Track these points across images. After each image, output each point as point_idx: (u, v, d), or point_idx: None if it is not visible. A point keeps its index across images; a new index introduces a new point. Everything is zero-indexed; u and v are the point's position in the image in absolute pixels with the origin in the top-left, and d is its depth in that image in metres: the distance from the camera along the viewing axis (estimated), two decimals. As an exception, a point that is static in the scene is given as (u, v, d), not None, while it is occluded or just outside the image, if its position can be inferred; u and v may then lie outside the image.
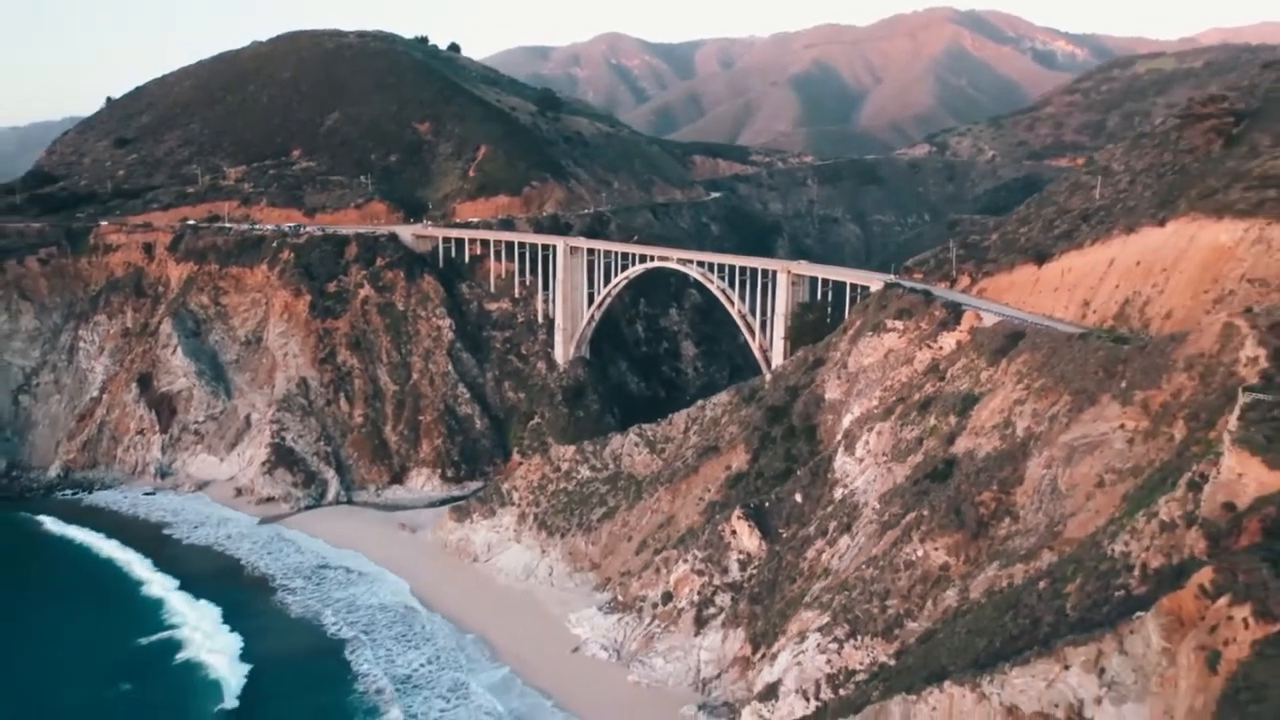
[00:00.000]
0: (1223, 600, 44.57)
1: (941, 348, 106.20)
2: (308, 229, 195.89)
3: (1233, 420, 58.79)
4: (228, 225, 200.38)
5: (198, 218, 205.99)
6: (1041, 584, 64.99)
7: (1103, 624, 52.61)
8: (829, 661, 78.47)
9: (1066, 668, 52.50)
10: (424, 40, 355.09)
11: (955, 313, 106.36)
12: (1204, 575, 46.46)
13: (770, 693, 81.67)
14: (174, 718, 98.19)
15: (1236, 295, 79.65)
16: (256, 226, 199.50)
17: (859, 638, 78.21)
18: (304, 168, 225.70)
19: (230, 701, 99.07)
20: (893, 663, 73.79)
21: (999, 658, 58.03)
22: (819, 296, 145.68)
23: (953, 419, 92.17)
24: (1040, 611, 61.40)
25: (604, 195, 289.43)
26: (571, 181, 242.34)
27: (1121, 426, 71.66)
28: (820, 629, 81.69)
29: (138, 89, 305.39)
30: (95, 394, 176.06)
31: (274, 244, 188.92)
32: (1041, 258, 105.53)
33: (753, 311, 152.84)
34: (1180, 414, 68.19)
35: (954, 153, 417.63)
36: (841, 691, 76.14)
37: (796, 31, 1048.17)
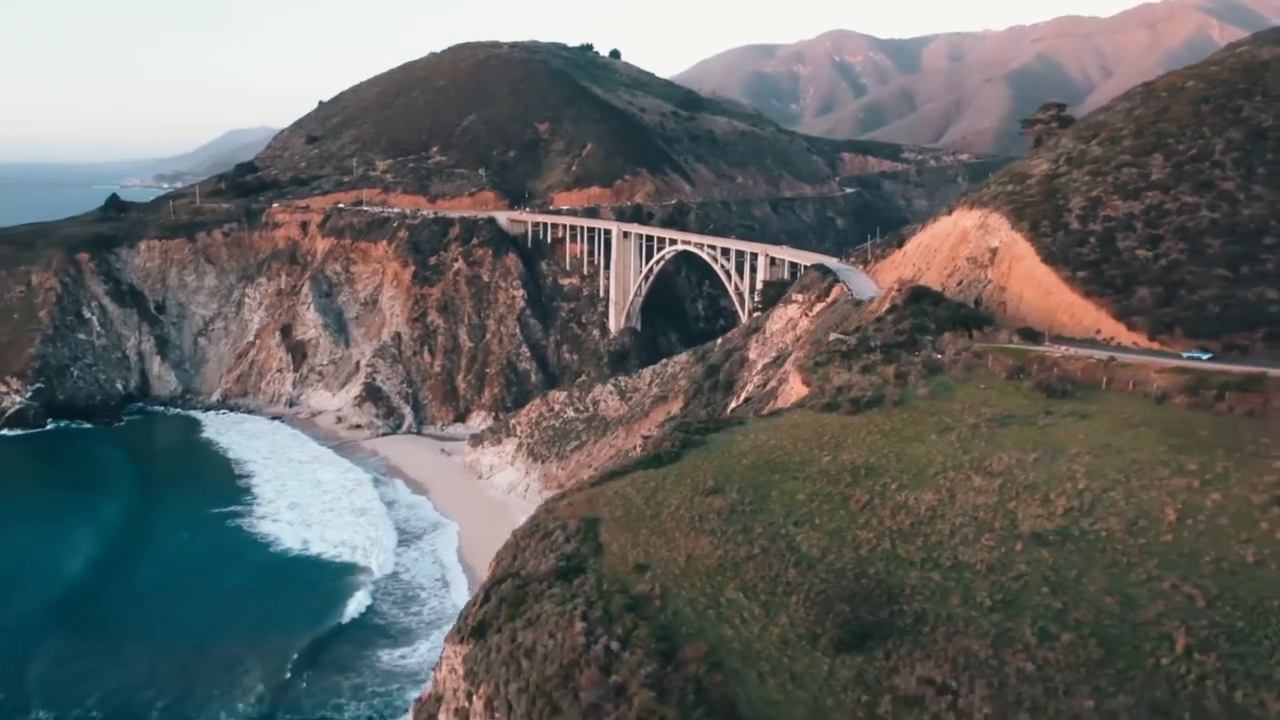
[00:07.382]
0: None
1: (816, 315, 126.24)
2: (424, 212, 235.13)
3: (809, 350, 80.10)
4: (366, 208, 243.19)
5: (347, 202, 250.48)
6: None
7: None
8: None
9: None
10: (587, 48, 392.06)
11: (831, 287, 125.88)
12: (676, 439, 69.73)
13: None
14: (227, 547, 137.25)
15: (960, 271, 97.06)
16: (386, 210, 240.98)
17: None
18: (436, 162, 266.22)
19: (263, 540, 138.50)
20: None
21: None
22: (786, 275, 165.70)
23: (776, 368, 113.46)
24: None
25: (724, 188, 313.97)
26: (670, 175, 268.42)
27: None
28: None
29: (340, 94, 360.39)
30: (251, 339, 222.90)
31: (395, 224, 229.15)
32: (901, 242, 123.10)
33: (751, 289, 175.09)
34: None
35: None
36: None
37: (1032, 25, 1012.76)
